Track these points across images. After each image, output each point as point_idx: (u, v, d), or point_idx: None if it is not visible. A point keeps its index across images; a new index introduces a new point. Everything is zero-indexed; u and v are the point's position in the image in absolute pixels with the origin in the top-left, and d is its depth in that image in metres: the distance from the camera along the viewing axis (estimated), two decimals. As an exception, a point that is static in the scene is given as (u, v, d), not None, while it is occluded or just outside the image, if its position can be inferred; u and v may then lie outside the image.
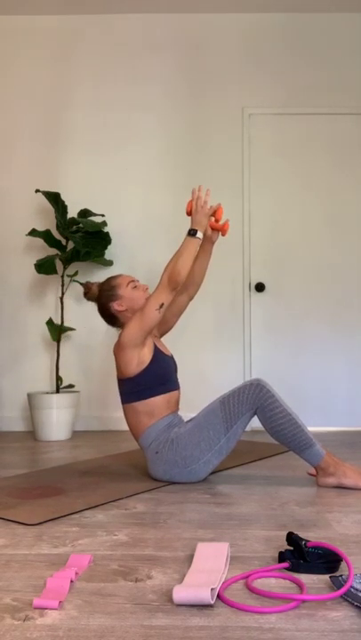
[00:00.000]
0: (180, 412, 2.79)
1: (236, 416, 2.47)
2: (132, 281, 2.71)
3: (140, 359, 2.55)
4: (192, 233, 2.58)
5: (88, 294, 2.76)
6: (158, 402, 2.57)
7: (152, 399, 2.56)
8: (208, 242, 2.81)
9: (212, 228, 2.75)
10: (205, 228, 2.64)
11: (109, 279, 2.73)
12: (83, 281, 4.12)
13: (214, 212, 2.67)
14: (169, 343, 3.81)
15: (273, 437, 2.49)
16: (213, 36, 4.29)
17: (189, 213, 2.64)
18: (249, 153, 4.24)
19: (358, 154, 4.24)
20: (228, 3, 4.17)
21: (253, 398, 2.46)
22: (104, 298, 2.68)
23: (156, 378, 2.57)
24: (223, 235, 2.77)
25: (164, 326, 2.86)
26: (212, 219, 2.71)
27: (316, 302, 4.20)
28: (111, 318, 2.71)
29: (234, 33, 4.29)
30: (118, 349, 2.56)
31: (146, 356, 2.56)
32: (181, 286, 2.58)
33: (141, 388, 2.56)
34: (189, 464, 2.50)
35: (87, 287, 2.76)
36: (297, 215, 4.23)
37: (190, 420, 2.60)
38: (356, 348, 4.18)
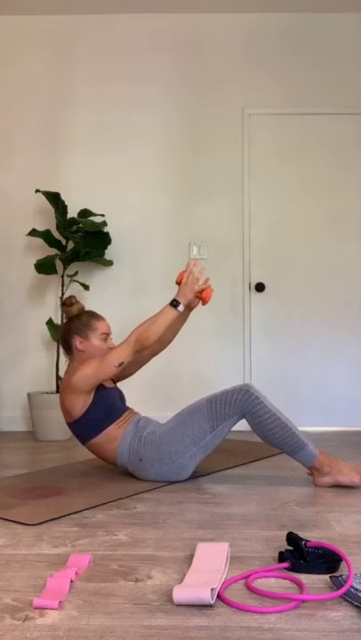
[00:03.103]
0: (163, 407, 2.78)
1: (222, 417, 2.49)
2: (107, 333, 2.69)
3: (84, 401, 2.57)
4: (174, 304, 2.56)
5: (66, 308, 2.73)
6: (113, 428, 2.59)
7: (107, 430, 2.59)
8: (187, 308, 2.77)
9: (196, 296, 2.69)
10: (189, 301, 2.62)
11: (91, 315, 2.70)
12: (83, 281, 4.13)
13: (202, 291, 2.66)
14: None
15: (265, 442, 2.52)
16: (213, 36, 4.29)
17: (179, 283, 2.63)
18: (249, 153, 4.24)
19: (358, 154, 4.24)
20: (228, 3, 4.17)
21: (241, 403, 2.47)
22: (74, 327, 2.67)
23: (103, 411, 2.59)
24: (203, 304, 2.74)
25: (120, 374, 2.85)
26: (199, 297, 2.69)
27: (316, 302, 4.20)
28: (67, 347, 2.70)
29: (234, 33, 4.28)
30: (67, 392, 2.57)
31: (90, 395, 2.58)
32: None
33: (92, 425, 2.58)
34: (176, 459, 2.52)
35: (70, 301, 2.73)
36: (297, 215, 4.23)
37: (175, 416, 2.61)
38: (357, 348, 4.18)
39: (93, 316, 2.70)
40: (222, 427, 2.50)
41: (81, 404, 2.56)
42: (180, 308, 2.57)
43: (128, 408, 2.71)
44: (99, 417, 2.57)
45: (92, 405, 2.57)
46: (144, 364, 2.90)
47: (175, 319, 2.64)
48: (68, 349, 2.69)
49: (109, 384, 2.72)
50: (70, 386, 2.54)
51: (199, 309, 4.13)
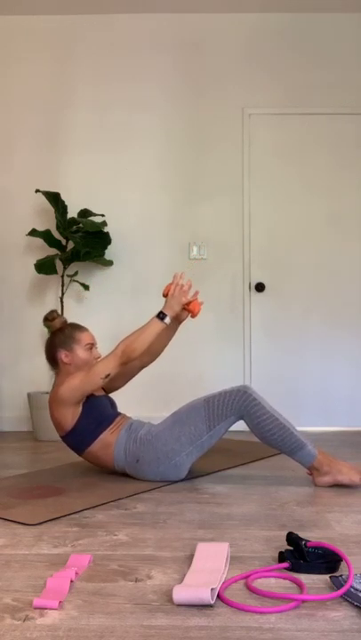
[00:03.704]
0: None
1: (220, 418, 2.49)
2: (91, 343, 2.69)
3: (74, 412, 2.57)
4: (161, 316, 2.56)
5: (48, 322, 2.72)
6: (107, 434, 2.60)
7: (100, 437, 2.59)
8: (176, 321, 2.77)
9: (183, 308, 2.69)
10: (176, 313, 2.62)
11: (74, 327, 2.71)
12: (83, 281, 4.13)
13: (189, 303, 2.66)
14: (169, 343, 3.78)
15: (263, 443, 2.52)
16: (213, 36, 4.29)
17: (165, 295, 2.63)
18: (249, 153, 4.24)
19: (358, 154, 4.24)
20: (228, 3, 4.17)
21: (239, 405, 2.47)
22: (58, 340, 2.67)
23: (94, 419, 2.59)
24: (192, 317, 2.74)
25: (107, 385, 2.85)
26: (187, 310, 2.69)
27: (316, 302, 4.20)
28: (52, 361, 2.70)
29: (234, 33, 4.28)
30: (55, 405, 2.57)
31: (79, 406, 2.59)
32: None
33: (85, 435, 2.59)
34: (172, 457, 2.52)
35: (52, 316, 2.72)
36: (297, 215, 4.23)
37: (171, 415, 2.61)
38: (357, 348, 4.18)
39: (76, 327, 2.71)
40: (219, 427, 2.51)
41: (71, 416, 2.57)
42: (167, 320, 2.57)
43: (119, 413, 2.72)
44: (90, 426, 2.58)
45: (83, 415, 2.57)
46: (133, 377, 2.90)
47: (163, 331, 2.65)
48: (54, 363, 2.70)
49: (99, 392, 2.73)
50: (57, 399, 2.55)
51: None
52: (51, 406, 2.60)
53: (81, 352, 2.65)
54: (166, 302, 2.60)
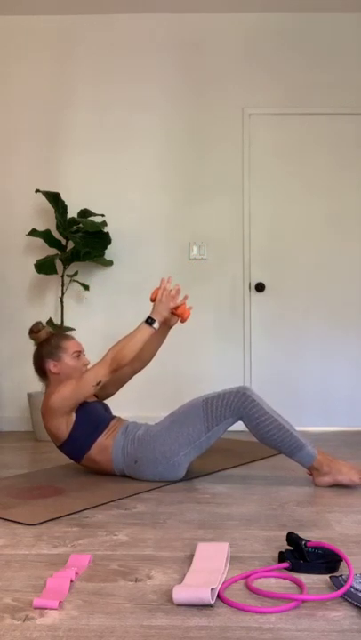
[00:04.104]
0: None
1: (218, 419, 2.49)
2: (79, 351, 2.69)
3: (67, 421, 2.58)
4: (149, 321, 2.57)
5: (34, 334, 2.72)
6: (103, 439, 2.60)
7: (97, 442, 2.59)
8: (165, 325, 2.78)
9: (172, 313, 2.70)
10: (164, 319, 2.63)
11: (61, 337, 2.71)
12: (83, 281, 4.13)
13: (177, 308, 2.67)
14: (169, 344, 3.79)
15: (263, 444, 2.52)
16: (213, 36, 4.29)
17: (153, 300, 2.64)
18: (249, 153, 4.24)
19: (358, 154, 4.24)
20: (228, 3, 4.17)
21: (238, 406, 2.47)
22: (45, 351, 2.67)
23: (89, 426, 2.59)
24: (182, 322, 2.74)
25: (100, 392, 2.85)
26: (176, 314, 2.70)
27: (316, 302, 4.20)
28: (41, 372, 2.70)
29: (234, 33, 4.28)
30: (48, 415, 2.57)
31: (72, 415, 2.59)
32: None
33: (81, 441, 2.59)
34: (171, 457, 2.52)
35: (37, 328, 2.72)
36: (297, 215, 4.23)
37: (169, 415, 2.61)
38: (357, 347, 4.18)
39: (62, 336, 2.72)
40: (218, 428, 2.51)
41: (65, 425, 2.57)
42: (156, 325, 2.57)
43: (114, 417, 2.72)
44: (86, 432, 2.58)
45: (77, 423, 2.58)
46: (125, 383, 2.90)
47: (153, 336, 2.66)
48: (43, 375, 2.70)
49: (91, 398, 2.73)
50: (50, 409, 2.56)
51: (199, 310, 4.14)
52: (44, 417, 2.61)
53: (69, 360, 2.65)
54: (154, 307, 2.61)
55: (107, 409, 2.76)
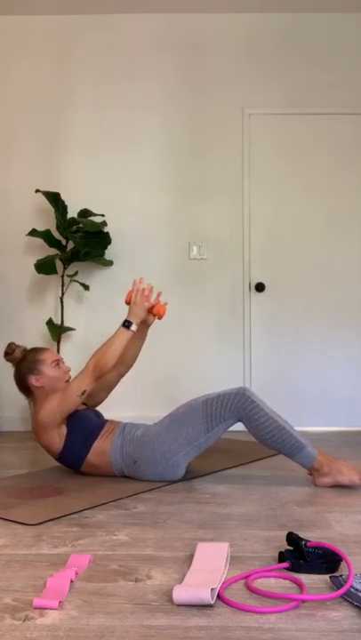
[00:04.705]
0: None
1: (218, 420, 2.49)
2: (57, 360, 2.70)
3: (60, 433, 2.58)
4: (126, 325, 2.58)
5: (10, 356, 2.71)
6: (99, 443, 2.60)
7: (93, 446, 2.60)
8: (144, 325, 2.78)
9: (148, 312, 2.71)
10: (141, 319, 2.64)
11: (35, 351, 2.71)
12: (83, 281, 4.13)
13: (153, 307, 2.67)
14: (169, 344, 3.81)
15: (263, 445, 2.52)
16: (213, 36, 4.29)
17: (128, 303, 2.64)
18: (249, 153, 4.24)
19: (358, 154, 4.24)
20: (228, 3, 4.17)
21: (237, 407, 2.47)
22: (24, 368, 2.67)
23: (82, 433, 2.59)
24: (159, 319, 2.75)
25: (90, 400, 2.85)
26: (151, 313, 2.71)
27: (316, 302, 4.20)
28: (25, 390, 2.70)
29: (234, 33, 4.28)
30: (40, 431, 2.58)
31: (63, 427, 2.59)
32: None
33: (78, 450, 2.59)
34: (170, 457, 2.53)
35: (11, 349, 2.72)
36: (297, 215, 4.23)
37: (168, 415, 2.61)
38: (357, 347, 4.18)
39: (37, 350, 2.72)
40: (217, 429, 2.51)
41: (58, 438, 2.58)
42: (133, 327, 2.58)
43: (107, 420, 2.72)
44: (80, 440, 2.58)
45: (69, 433, 2.58)
46: (113, 387, 2.91)
47: (133, 338, 2.67)
48: (28, 392, 2.70)
49: (80, 407, 2.73)
50: (40, 425, 2.57)
51: (199, 310, 4.14)
52: (36, 434, 2.62)
53: (50, 371, 2.66)
54: (130, 310, 2.62)
55: (97, 414, 2.77)
